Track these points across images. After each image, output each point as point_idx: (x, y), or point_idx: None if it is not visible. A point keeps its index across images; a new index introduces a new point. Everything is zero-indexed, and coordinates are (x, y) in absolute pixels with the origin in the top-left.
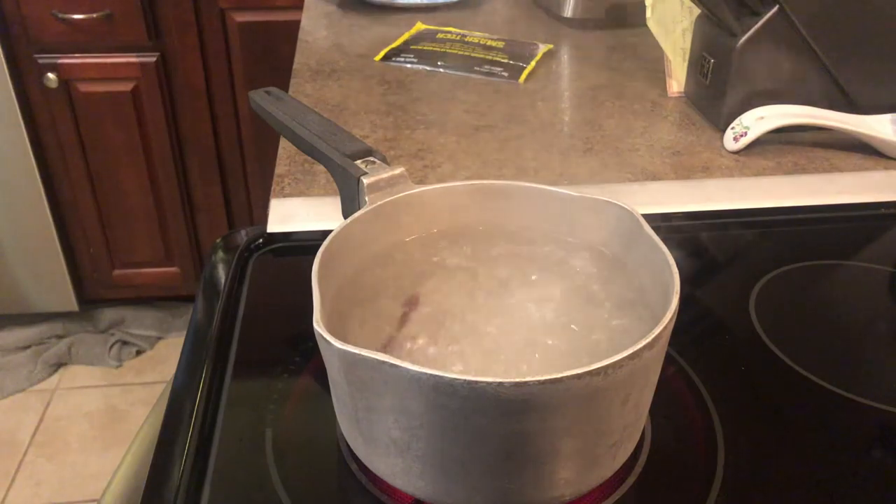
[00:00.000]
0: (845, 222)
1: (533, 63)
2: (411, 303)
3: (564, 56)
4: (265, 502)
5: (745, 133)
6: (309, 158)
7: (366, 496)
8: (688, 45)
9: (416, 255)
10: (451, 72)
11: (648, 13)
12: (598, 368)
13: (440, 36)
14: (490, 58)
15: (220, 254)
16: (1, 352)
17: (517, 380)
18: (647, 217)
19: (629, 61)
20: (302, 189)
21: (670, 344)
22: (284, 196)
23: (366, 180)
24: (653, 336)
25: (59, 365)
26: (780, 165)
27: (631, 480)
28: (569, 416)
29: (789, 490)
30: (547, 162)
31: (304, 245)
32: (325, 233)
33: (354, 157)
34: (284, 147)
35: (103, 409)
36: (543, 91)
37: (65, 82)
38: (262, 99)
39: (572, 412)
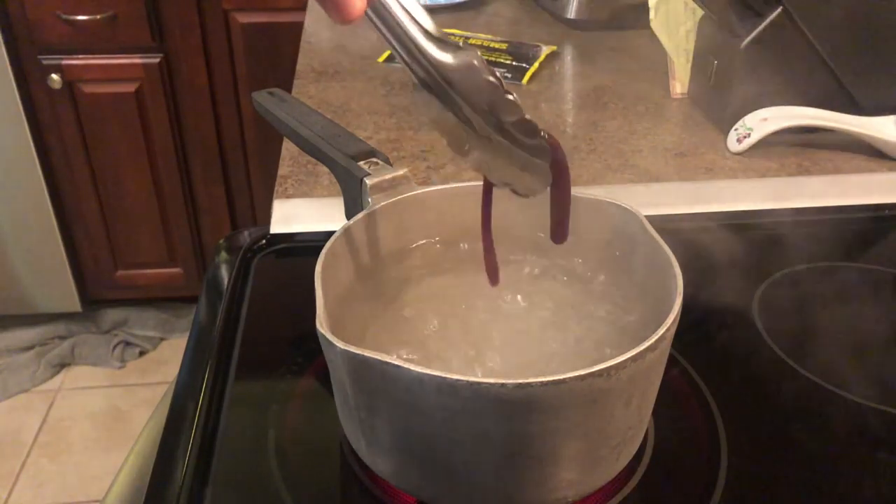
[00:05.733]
0: (849, 224)
1: (536, 65)
2: None
3: (568, 57)
4: (268, 503)
5: (749, 134)
6: (312, 159)
7: (368, 497)
8: (691, 46)
9: (419, 256)
10: None
11: (652, 14)
12: (601, 370)
13: None
14: (493, 59)
15: (223, 254)
16: (4, 352)
17: (520, 381)
18: (651, 218)
19: (632, 63)
20: (305, 190)
21: (673, 345)
22: (287, 197)
23: (369, 181)
24: (656, 337)
25: (62, 365)
26: (783, 167)
27: (634, 482)
28: (571, 418)
29: (792, 491)
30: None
31: (307, 246)
32: (328, 234)
33: (357, 158)
34: (287, 148)
35: (106, 409)
36: (547, 92)
37: (68, 83)
38: (265, 100)
39: (575, 413)
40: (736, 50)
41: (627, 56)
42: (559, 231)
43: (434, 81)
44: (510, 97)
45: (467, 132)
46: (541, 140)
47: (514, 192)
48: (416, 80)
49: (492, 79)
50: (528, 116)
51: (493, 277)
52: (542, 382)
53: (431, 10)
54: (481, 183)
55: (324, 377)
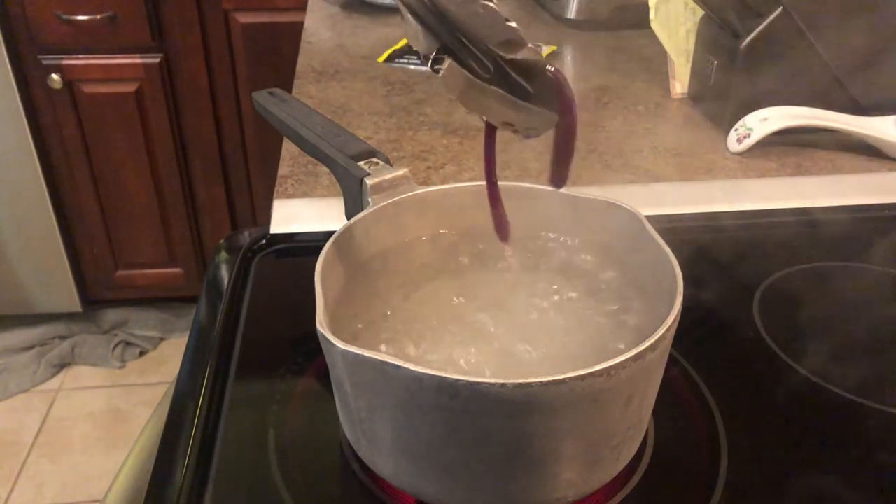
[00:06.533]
0: (849, 224)
1: None
2: None
3: (568, 57)
4: (267, 503)
5: (749, 134)
6: (312, 159)
7: (368, 497)
8: (691, 46)
9: (419, 256)
10: None
11: (652, 14)
12: (602, 370)
13: None
14: None
15: (223, 255)
16: (4, 352)
17: (520, 381)
18: (651, 218)
19: (632, 63)
20: (305, 190)
21: (673, 345)
22: (287, 197)
23: (369, 181)
24: (656, 337)
25: (62, 365)
26: (783, 167)
27: (634, 482)
28: (572, 418)
29: (792, 492)
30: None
31: (307, 246)
32: (328, 234)
33: (357, 158)
34: (287, 148)
35: (106, 409)
36: None
37: (69, 83)
38: (265, 100)
39: (575, 413)
40: (736, 50)
41: (627, 56)
42: (559, 175)
43: (425, 11)
44: (510, 24)
45: (467, 78)
46: (546, 75)
47: (517, 133)
48: (405, 10)
49: (489, 4)
50: (531, 45)
51: (503, 233)
52: (542, 382)
53: None
54: (482, 183)
55: (324, 377)
